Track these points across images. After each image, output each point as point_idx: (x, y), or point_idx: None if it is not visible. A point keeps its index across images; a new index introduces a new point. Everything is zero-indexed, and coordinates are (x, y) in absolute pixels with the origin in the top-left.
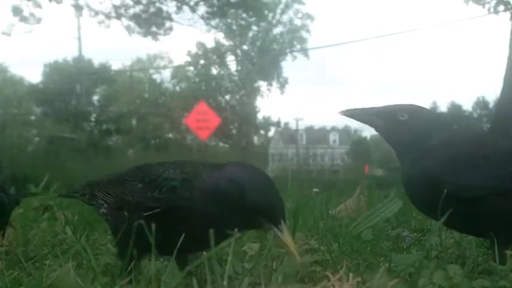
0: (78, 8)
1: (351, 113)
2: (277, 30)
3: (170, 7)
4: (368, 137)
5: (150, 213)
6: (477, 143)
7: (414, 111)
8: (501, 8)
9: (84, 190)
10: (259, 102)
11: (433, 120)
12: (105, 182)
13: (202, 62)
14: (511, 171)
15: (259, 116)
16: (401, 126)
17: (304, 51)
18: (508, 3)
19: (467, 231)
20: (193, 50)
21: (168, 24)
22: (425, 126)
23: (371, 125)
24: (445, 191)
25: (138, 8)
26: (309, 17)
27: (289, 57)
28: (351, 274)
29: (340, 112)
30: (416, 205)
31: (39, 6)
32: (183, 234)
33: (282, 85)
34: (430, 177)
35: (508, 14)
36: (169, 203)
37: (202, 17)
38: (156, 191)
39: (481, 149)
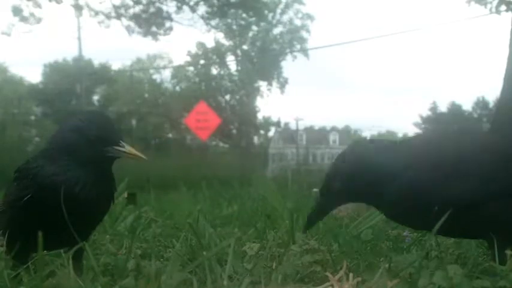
0: (78, 8)
1: (311, 222)
2: (277, 30)
3: (170, 7)
4: (368, 137)
5: (24, 201)
6: (444, 147)
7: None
8: (503, 8)
9: None
10: (259, 102)
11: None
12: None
13: (202, 62)
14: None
15: (259, 116)
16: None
17: (304, 51)
18: (510, 3)
19: (464, 235)
20: (193, 50)
21: (168, 24)
22: (373, 169)
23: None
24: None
25: (138, 8)
26: (309, 17)
27: (289, 57)
28: (350, 274)
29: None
30: (411, 225)
31: (39, 6)
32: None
33: (282, 85)
34: (419, 194)
35: (509, 14)
36: (37, 186)
37: (202, 17)
38: (24, 181)
39: (458, 155)
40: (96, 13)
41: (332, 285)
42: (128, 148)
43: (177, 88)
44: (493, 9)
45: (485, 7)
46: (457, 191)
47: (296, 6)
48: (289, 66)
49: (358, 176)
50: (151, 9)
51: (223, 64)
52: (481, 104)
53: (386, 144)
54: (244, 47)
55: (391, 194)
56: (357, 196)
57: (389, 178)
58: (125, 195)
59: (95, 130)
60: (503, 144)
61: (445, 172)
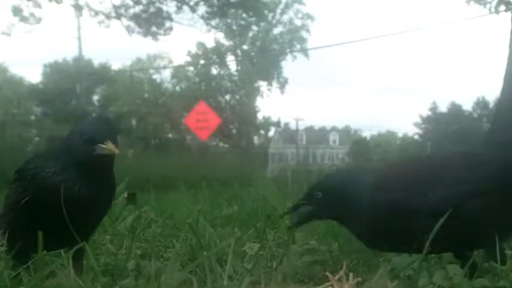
0: (78, 8)
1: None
2: (277, 30)
3: (170, 7)
4: (368, 137)
5: (22, 204)
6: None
7: (326, 189)
8: (502, 8)
9: None
10: (259, 102)
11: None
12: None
13: (202, 62)
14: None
15: (259, 116)
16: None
17: (304, 51)
18: (509, 3)
19: (456, 246)
20: (193, 50)
21: (168, 24)
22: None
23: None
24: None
25: (138, 8)
26: (309, 17)
27: (289, 57)
28: (351, 274)
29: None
30: (392, 247)
31: (39, 6)
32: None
33: (282, 85)
34: (399, 206)
35: (509, 14)
36: (35, 187)
37: (202, 17)
38: (22, 183)
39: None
40: (96, 13)
41: (332, 285)
42: (108, 145)
43: (177, 88)
44: (492, 9)
45: (485, 7)
46: (430, 199)
47: (296, 6)
48: (289, 66)
49: (336, 197)
50: (151, 9)
51: (223, 64)
52: (481, 104)
53: (358, 173)
54: (244, 47)
55: (364, 219)
56: (334, 215)
57: (361, 204)
58: (125, 195)
59: (86, 130)
60: (471, 150)
61: (413, 184)
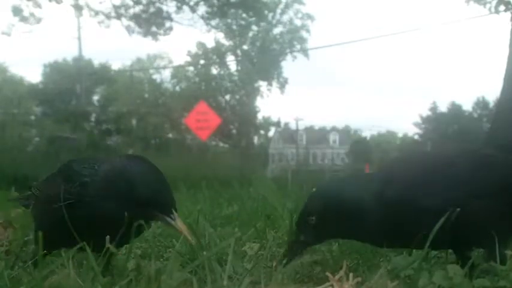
0: (78, 8)
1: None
2: (277, 30)
3: (170, 7)
4: (368, 137)
5: (60, 205)
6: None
7: (319, 211)
8: (502, 8)
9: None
10: (259, 102)
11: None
12: (41, 182)
13: (202, 62)
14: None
15: (259, 116)
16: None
17: (304, 51)
18: (509, 3)
19: (449, 245)
20: (193, 50)
21: (168, 24)
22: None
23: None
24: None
25: (138, 8)
26: (309, 17)
27: (289, 57)
28: (351, 274)
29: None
30: (401, 244)
31: (39, 6)
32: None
33: (282, 85)
34: (401, 207)
35: (508, 14)
36: (78, 198)
37: (202, 17)
38: (69, 185)
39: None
40: (96, 13)
41: (332, 285)
42: (178, 221)
43: (177, 88)
44: (492, 9)
45: (484, 7)
46: (438, 196)
47: (296, 6)
48: (289, 66)
49: (334, 213)
50: (151, 9)
51: (223, 64)
52: (481, 104)
53: (358, 177)
54: (244, 47)
55: (374, 219)
56: (336, 232)
57: (367, 205)
58: None
59: (148, 193)
60: (478, 151)
61: (423, 181)
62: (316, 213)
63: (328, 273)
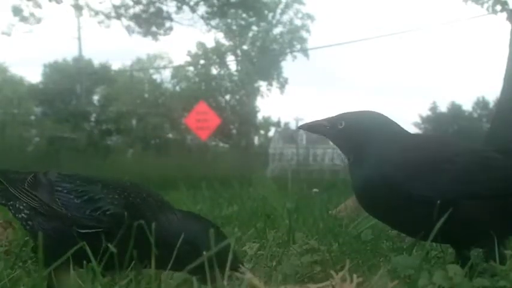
0: (78, 8)
1: (307, 127)
2: (277, 30)
3: (170, 7)
4: None
5: (86, 231)
6: (437, 147)
7: (352, 118)
8: (498, 7)
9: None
10: (259, 102)
11: (372, 128)
12: (24, 183)
13: (202, 62)
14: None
15: (259, 116)
16: (340, 134)
17: (304, 51)
18: (505, 3)
19: (446, 239)
20: (193, 50)
21: (168, 24)
22: (361, 134)
23: (326, 135)
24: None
25: (138, 8)
26: (309, 17)
27: (289, 57)
28: (354, 276)
29: (299, 127)
30: (372, 212)
31: (39, 6)
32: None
33: (282, 85)
34: (391, 184)
35: (505, 14)
36: (109, 227)
37: (202, 17)
38: (97, 211)
39: (444, 153)
40: (96, 13)
41: (332, 284)
42: (247, 275)
43: (177, 88)
44: (490, 9)
45: (482, 6)
46: (437, 188)
47: (296, 6)
48: (289, 66)
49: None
50: (151, 9)
51: (223, 64)
52: (481, 104)
53: (390, 129)
54: (244, 47)
55: (362, 176)
56: (347, 150)
57: (361, 151)
58: None
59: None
60: (487, 151)
61: (421, 169)
62: (347, 120)
63: (332, 272)
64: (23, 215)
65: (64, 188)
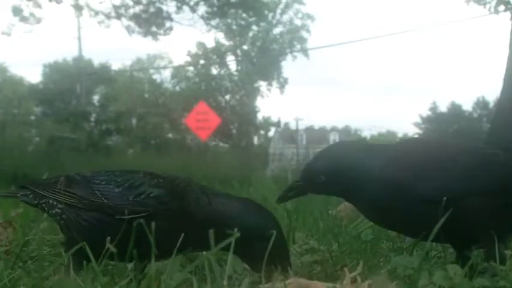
0: (78, 8)
1: (284, 198)
2: (277, 30)
3: (170, 7)
4: (368, 137)
5: (132, 216)
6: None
7: (329, 166)
8: (501, 8)
9: (27, 190)
10: (259, 102)
11: (353, 159)
12: (56, 185)
13: (202, 62)
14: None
15: (259, 116)
16: (325, 186)
17: (304, 51)
18: (508, 3)
19: (453, 239)
20: (193, 50)
21: (168, 24)
22: (348, 174)
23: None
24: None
25: (138, 8)
26: (309, 17)
27: (289, 57)
28: (366, 282)
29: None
30: (380, 222)
31: (39, 6)
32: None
33: (282, 85)
34: (395, 186)
35: (508, 14)
36: (155, 211)
37: (202, 17)
38: (141, 196)
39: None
40: (96, 13)
41: (333, 286)
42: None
43: (177, 88)
44: (492, 9)
45: (484, 7)
46: (436, 186)
47: (296, 6)
48: (289, 66)
49: (338, 173)
50: (151, 9)
51: (223, 64)
52: (481, 104)
53: (369, 145)
54: (244, 47)
55: (371, 192)
56: (336, 192)
57: (370, 176)
58: None
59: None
60: (487, 150)
61: (423, 169)
62: (327, 174)
63: (346, 269)
64: (56, 210)
65: (102, 180)
